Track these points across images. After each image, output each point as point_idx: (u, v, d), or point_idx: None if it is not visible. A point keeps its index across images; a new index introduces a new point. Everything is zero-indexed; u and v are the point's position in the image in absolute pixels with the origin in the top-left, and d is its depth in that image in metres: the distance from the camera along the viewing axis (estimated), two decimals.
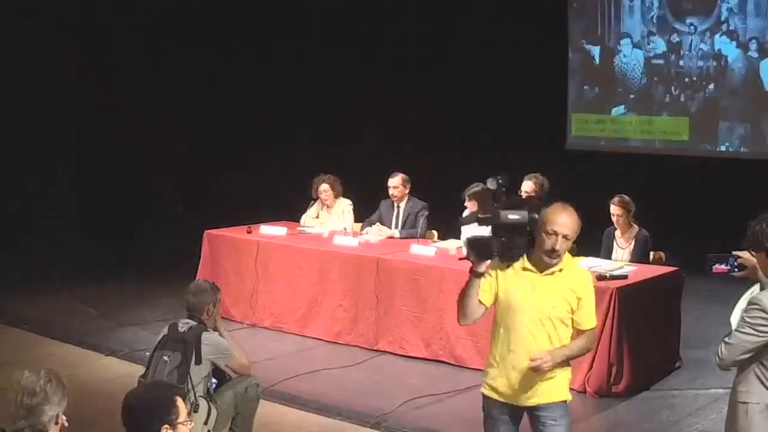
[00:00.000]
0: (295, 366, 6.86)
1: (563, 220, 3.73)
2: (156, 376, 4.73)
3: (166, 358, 4.74)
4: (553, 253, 3.72)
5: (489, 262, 3.75)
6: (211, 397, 4.83)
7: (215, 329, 5.01)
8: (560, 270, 3.80)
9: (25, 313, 8.27)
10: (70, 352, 7.36)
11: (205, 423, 4.75)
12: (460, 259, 3.87)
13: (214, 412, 4.79)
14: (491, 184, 3.74)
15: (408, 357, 7.09)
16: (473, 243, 3.67)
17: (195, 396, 4.68)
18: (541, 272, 3.79)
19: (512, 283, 3.81)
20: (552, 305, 3.79)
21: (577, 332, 3.89)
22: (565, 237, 3.72)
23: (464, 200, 7.80)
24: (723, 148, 10.36)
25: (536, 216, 3.74)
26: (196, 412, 4.65)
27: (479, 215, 3.72)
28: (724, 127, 10.35)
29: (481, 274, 3.74)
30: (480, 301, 3.82)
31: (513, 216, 3.65)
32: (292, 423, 5.93)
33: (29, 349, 7.36)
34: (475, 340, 6.80)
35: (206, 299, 4.94)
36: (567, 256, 3.86)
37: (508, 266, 3.78)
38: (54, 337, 7.68)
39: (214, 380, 4.95)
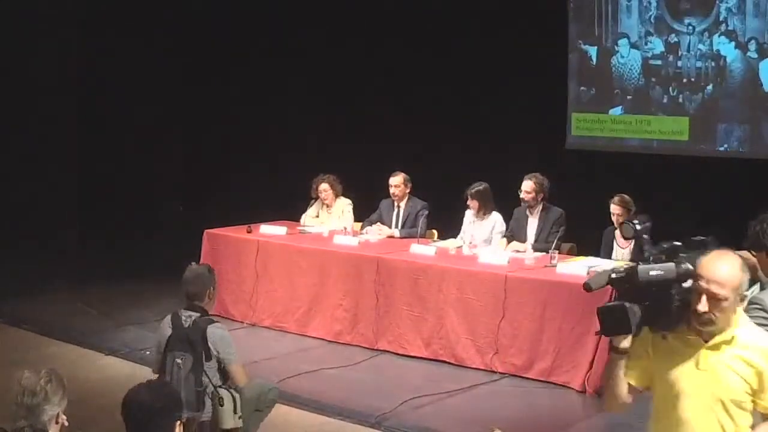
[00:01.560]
0: (295, 366, 6.86)
1: (714, 272, 2.79)
2: (173, 381, 4.72)
3: (179, 360, 4.75)
4: (699, 317, 2.81)
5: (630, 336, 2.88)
6: (228, 385, 4.82)
7: None
8: (731, 338, 2.87)
9: (25, 313, 8.27)
10: (70, 352, 7.37)
11: (235, 411, 4.75)
12: (596, 333, 2.92)
13: (238, 397, 4.78)
14: (627, 231, 2.93)
15: (408, 357, 7.10)
16: (605, 313, 2.79)
17: (215, 389, 4.70)
18: (705, 342, 2.88)
19: (672, 359, 2.92)
20: (724, 385, 2.87)
21: (763, 417, 2.94)
22: (714, 297, 2.79)
23: (466, 199, 7.81)
24: (722, 149, 10.35)
25: (690, 267, 2.83)
26: (222, 405, 4.66)
27: (613, 275, 2.81)
28: (723, 128, 10.34)
29: (625, 352, 2.88)
30: (631, 385, 3.02)
31: (655, 272, 2.76)
32: (292, 422, 5.93)
33: (29, 349, 7.36)
34: (474, 339, 6.81)
35: (206, 284, 4.96)
36: (741, 317, 2.93)
37: (664, 337, 2.88)
38: (54, 337, 7.69)
39: None
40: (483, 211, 7.76)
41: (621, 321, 2.76)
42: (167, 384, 3.39)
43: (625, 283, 2.78)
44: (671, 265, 2.81)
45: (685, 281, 2.80)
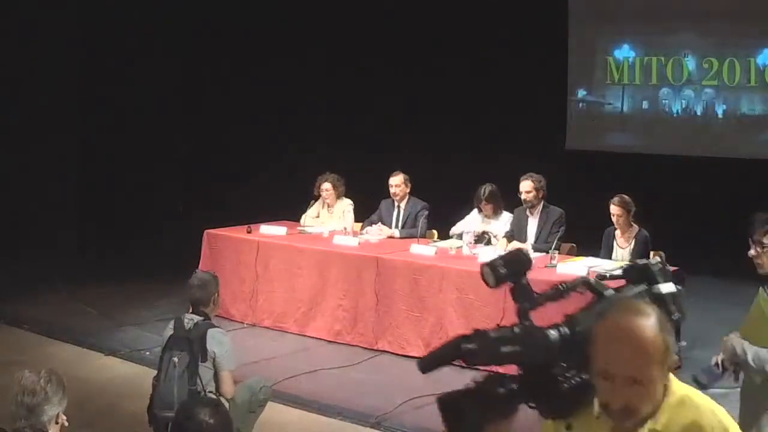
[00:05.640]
0: (295, 366, 6.86)
1: (619, 351, 1.95)
2: (167, 378, 4.77)
3: (175, 359, 4.78)
4: (612, 412, 1.98)
5: None
6: (219, 393, 4.85)
7: None
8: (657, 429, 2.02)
9: (25, 313, 8.27)
10: (70, 352, 7.36)
11: None
12: None
13: (227, 405, 4.80)
14: (491, 277, 2.09)
15: (408, 357, 7.09)
16: (446, 406, 2.11)
17: (206, 394, 4.72)
18: None
19: None
20: None
21: None
22: (632, 380, 1.94)
23: (479, 203, 7.80)
24: (722, 150, 10.35)
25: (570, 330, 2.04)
26: None
27: (464, 346, 2.03)
28: (723, 131, 10.34)
29: None
30: None
31: (508, 348, 1.96)
32: (292, 423, 5.93)
33: (29, 349, 7.36)
34: None
35: (211, 290, 5.02)
36: (679, 391, 2.06)
37: (568, 428, 2.12)
38: (54, 337, 7.68)
39: None
40: (497, 211, 7.80)
41: (461, 417, 2.00)
42: (222, 405, 3.39)
43: (482, 358, 1.99)
44: (539, 333, 2.01)
45: (576, 349, 1.99)
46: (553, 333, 2.00)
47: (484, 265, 2.12)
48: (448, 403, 2.04)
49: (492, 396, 1.98)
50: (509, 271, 2.10)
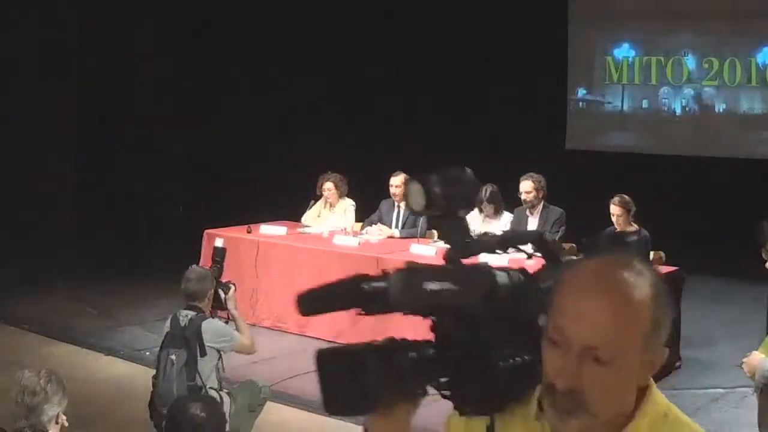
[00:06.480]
0: (295, 366, 6.84)
1: (586, 312, 1.32)
2: (166, 377, 4.79)
3: (172, 357, 4.80)
4: (555, 393, 1.34)
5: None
6: (221, 387, 4.87)
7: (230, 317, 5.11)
8: None
9: (25, 313, 8.27)
10: (70, 352, 7.37)
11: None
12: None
13: (230, 401, 4.82)
14: (418, 197, 1.50)
15: None
16: (325, 366, 1.47)
17: (206, 390, 4.73)
18: None
19: None
20: None
21: None
22: (594, 353, 1.31)
23: (480, 204, 7.79)
24: (722, 150, 10.35)
25: (534, 285, 1.45)
26: None
27: (364, 285, 1.50)
28: (723, 130, 10.33)
29: None
30: None
31: (435, 285, 1.46)
32: (292, 423, 5.93)
33: (29, 349, 7.36)
34: None
35: (207, 286, 5.05)
36: (662, 401, 1.44)
37: (489, 429, 1.54)
38: (54, 337, 7.69)
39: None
40: (498, 212, 7.79)
41: (348, 389, 1.40)
42: (215, 400, 3.42)
43: (383, 306, 1.44)
44: (491, 271, 1.42)
45: (529, 311, 1.40)
46: (501, 274, 1.39)
47: (411, 182, 1.47)
48: (338, 356, 1.37)
49: (401, 362, 1.34)
50: (446, 194, 1.48)
